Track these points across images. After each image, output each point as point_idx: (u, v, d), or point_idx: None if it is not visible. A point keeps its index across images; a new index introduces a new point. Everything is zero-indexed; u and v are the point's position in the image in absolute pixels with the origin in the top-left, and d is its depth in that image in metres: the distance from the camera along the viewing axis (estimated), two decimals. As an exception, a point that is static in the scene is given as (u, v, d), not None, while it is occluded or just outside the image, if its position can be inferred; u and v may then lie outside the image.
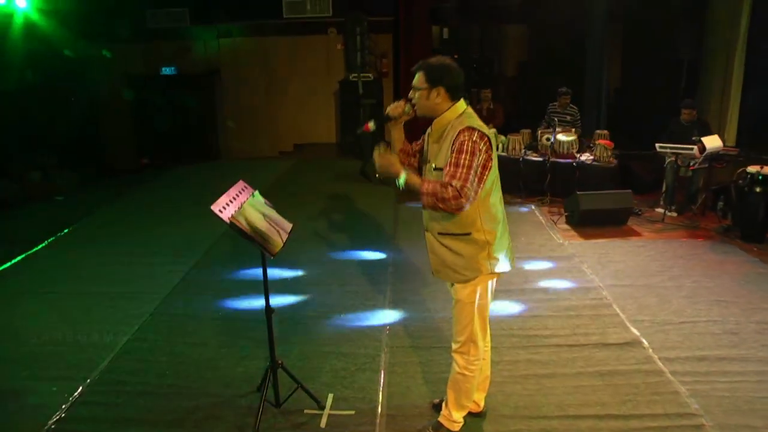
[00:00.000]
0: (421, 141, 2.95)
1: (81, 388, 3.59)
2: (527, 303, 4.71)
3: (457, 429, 3.03)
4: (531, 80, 10.63)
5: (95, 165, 9.76)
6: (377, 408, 3.36)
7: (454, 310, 2.87)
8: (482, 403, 3.24)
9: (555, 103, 8.53)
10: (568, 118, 8.43)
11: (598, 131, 8.18)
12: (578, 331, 4.24)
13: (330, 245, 6.20)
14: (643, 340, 4.07)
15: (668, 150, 6.78)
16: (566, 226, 6.74)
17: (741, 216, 6.17)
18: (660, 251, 5.87)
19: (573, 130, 8.27)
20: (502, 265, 2.79)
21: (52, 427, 3.24)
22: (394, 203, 7.69)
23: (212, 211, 2.80)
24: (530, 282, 5.13)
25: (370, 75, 10.28)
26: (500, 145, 8.34)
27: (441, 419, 3.06)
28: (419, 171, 2.98)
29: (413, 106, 2.76)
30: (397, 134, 2.92)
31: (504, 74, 11.27)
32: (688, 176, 7.09)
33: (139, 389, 3.57)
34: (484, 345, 2.97)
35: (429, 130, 2.84)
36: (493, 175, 2.68)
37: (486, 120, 8.74)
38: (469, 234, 2.70)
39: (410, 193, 2.64)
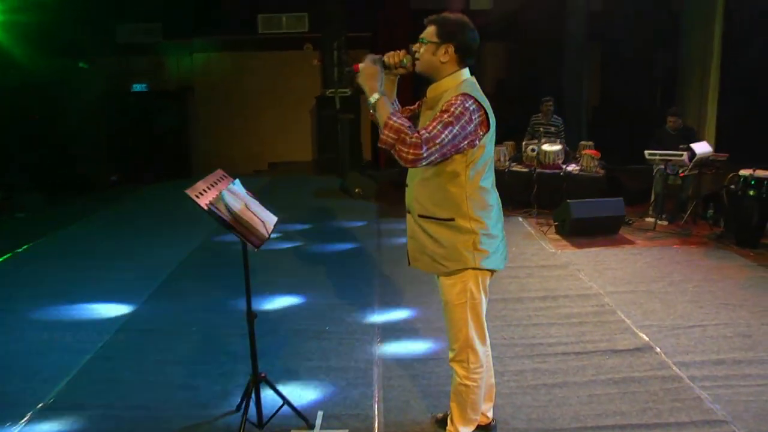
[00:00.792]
0: (415, 107, 2.64)
1: (30, 414, 3.13)
2: (526, 311, 4.41)
3: None
4: (511, 95, 10.52)
5: (63, 182, 9.27)
6: (373, 425, 3.00)
7: (444, 313, 2.52)
8: (490, 414, 2.89)
9: (538, 115, 8.38)
10: (552, 128, 8.27)
11: (582, 142, 8.05)
12: (584, 338, 3.95)
13: (312, 258, 5.85)
14: (654, 346, 3.79)
15: (657, 157, 6.62)
16: (556, 236, 6.50)
17: (735, 221, 6.01)
18: (656, 258, 5.65)
19: (558, 140, 8.11)
20: (492, 261, 2.43)
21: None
22: (376, 218, 7.40)
23: (187, 196, 2.46)
24: (526, 290, 4.84)
25: (347, 90, 10.05)
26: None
27: (448, 436, 2.70)
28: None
29: (415, 59, 2.41)
30: (388, 89, 2.52)
31: (484, 90, 11.15)
32: (678, 184, 6.95)
33: (100, 413, 3.14)
34: (485, 349, 2.61)
35: (422, 101, 2.55)
36: (487, 156, 2.37)
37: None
38: (452, 220, 2.36)
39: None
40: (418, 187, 2.43)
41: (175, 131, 10.00)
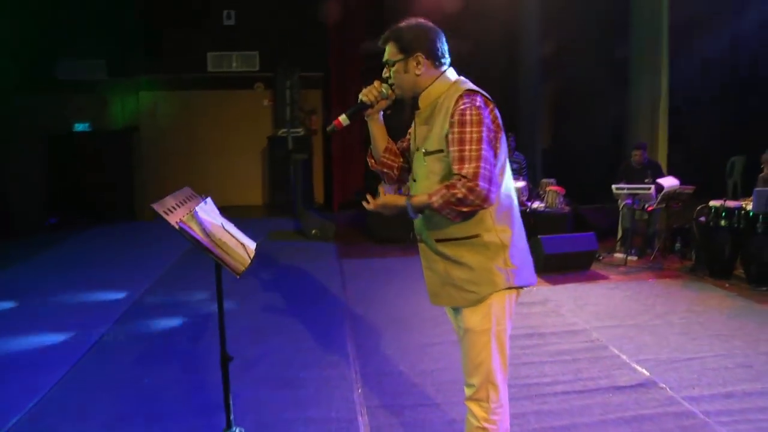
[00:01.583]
0: (407, 136, 2.36)
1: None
2: (513, 350, 4.05)
3: None
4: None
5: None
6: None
7: (463, 343, 2.17)
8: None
9: (499, 153, 8.31)
10: (514, 165, 8.21)
11: (544, 180, 8.00)
12: (582, 375, 3.67)
13: (273, 302, 5.42)
14: (657, 380, 3.56)
15: (625, 191, 6.59)
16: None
17: (707, 253, 5.96)
18: (635, 292, 5.50)
19: (521, 177, 8.04)
20: (524, 276, 2.15)
21: None
22: (337, 258, 7.05)
23: (156, 211, 2.09)
24: (520, 329, 4.56)
25: (300, 130, 9.80)
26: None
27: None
28: (407, 170, 2.40)
29: (391, 86, 2.18)
30: (376, 128, 2.29)
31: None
32: (644, 219, 6.92)
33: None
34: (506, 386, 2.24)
35: (415, 114, 2.27)
36: (503, 154, 2.10)
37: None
38: (477, 236, 2.07)
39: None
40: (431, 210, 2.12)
41: (119, 172, 9.42)
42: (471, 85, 2.10)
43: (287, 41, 9.58)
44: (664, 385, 3.49)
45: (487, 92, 2.10)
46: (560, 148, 10.75)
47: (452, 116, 2.00)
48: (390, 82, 2.17)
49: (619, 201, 7.00)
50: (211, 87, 9.90)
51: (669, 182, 6.41)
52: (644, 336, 4.33)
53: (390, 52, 2.15)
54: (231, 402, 2.45)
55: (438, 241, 2.13)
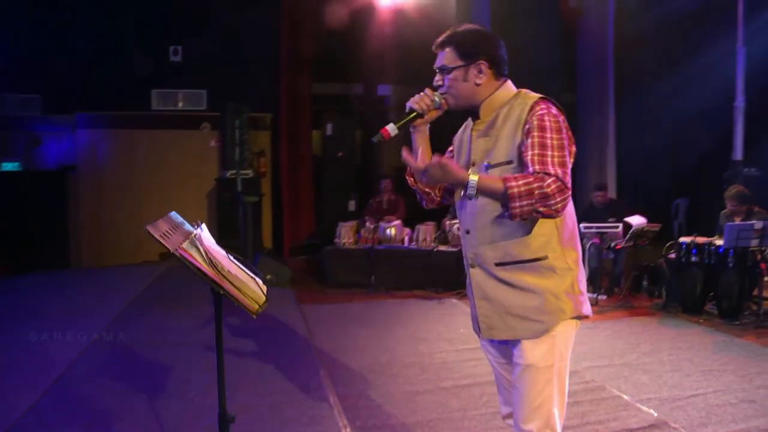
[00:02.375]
0: (450, 151, 2.21)
1: None
2: (510, 394, 3.92)
3: None
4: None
5: None
6: None
7: (520, 381, 1.96)
8: None
9: (460, 193, 8.28)
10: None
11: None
12: (589, 419, 3.51)
13: (240, 353, 5.01)
14: (667, 420, 3.43)
15: (593, 230, 6.65)
16: None
17: (680, 289, 6.02)
18: (615, 330, 5.46)
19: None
20: (588, 304, 2.01)
21: None
22: (297, 304, 6.72)
23: (149, 233, 1.82)
24: (498, 371, 4.37)
25: (249, 172, 9.48)
26: (405, 237, 7.86)
27: None
28: (450, 192, 2.23)
29: (443, 94, 2.02)
30: (422, 141, 2.12)
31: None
32: (611, 258, 6.98)
33: None
34: None
35: (464, 128, 2.14)
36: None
37: (388, 212, 8.26)
38: (544, 258, 1.91)
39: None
40: (490, 229, 1.96)
41: (52, 216, 8.76)
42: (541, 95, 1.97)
43: (236, 80, 9.34)
44: (676, 425, 3.37)
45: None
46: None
47: (528, 122, 1.87)
48: (443, 91, 2.02)
49: (585, 241, 7.05)
50: (155, 126, 9.47)
51: (637, 221, 6.51)
52: (638, 375, 4.24)
53: (447, 57, 2.00)
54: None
55: (499, 264, 1.95)
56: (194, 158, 9.75)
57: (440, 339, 5.28)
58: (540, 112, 1.86)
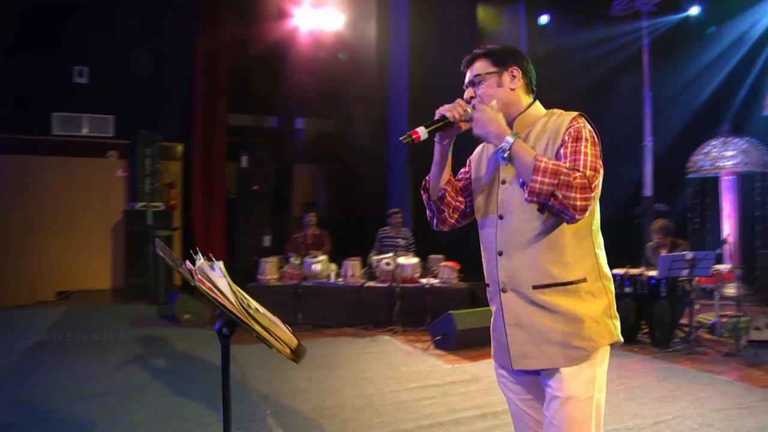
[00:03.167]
0: (466, 172, 2.13)
1: None
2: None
3: None
4: (342, 215, 10.34)
5: None
6: None
7: (559, 416, 1.81)
8: None
9: (386, 228, 8.22)
10: (402, 241, 8.13)
11: (432, 255, 7.98)
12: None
13: (174, 404, 4.55)
14: (642, 450, 3.44)
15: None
16: (440, 351, 6.07)
17: (612, 320, 6.21)
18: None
19: (410, 253, 7.96)
20: (619, 329, 1.94)
21: None
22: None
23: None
24: (456, 411, 4.23)
25: (160, 204, 8.93)
26: (332, 273, 7.65)
27: None
28: (464, 214, 2.12)
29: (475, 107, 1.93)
30: (443, 156, 2.04)
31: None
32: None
33: None
34: None
35: (484, 147, 2.08)
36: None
37: (313, 247, 8.03)
38: (583, 281, 1.84)
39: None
40: (530, 249, 1.86)
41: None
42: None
43: (147, 106, 8.83)
44: (652, 454, 3.37)
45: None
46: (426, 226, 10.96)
47: (565, 133, 1.82)
48: (476, 101, 1.94)
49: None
50: (55, 152, 8.70)
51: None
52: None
53: (480, 67, 1.96)
54: None
55: (537, 287, 1.84)
56: (99, 188, 9.06)
57: (385, 378, 5.08)
58: (578, 126, 1.83)
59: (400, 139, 1.91)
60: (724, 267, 6.24)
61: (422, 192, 2.12)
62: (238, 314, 1.63)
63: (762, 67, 8.73)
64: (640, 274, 6.03)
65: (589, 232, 1.87)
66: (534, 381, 1.94)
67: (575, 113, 1.89)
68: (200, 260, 1.88)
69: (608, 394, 4.08)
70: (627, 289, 6.04)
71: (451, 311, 6.19)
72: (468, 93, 1.98)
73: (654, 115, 9.15)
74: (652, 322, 5.92)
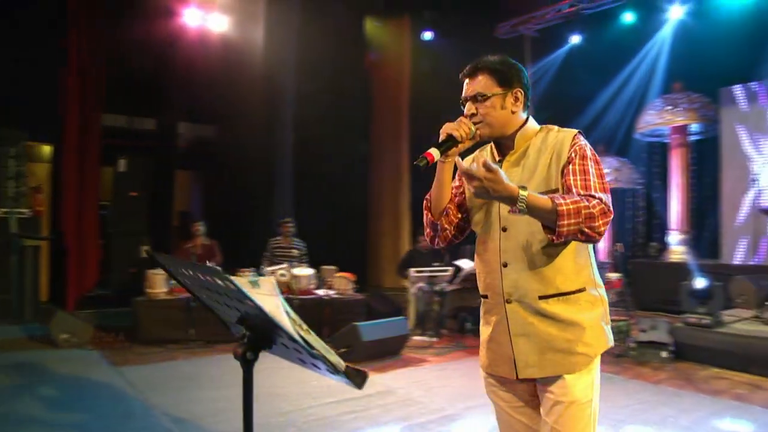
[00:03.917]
0: (459, 186, 2.16)
1: None
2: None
3: None
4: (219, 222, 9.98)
5: None
6: None
7: (562, 420, 1.91)
8: None
9: (277, 238, 8.10)
10: (294, 252, 8.06)
11: (325, 266, 7.98)
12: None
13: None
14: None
15: (426, 274, 6.99)
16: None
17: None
18: (467, 370, 5.78)
19: (303, 264, 7.90)
20: (612, 335, 2.08)
21: None
22: (112, 365, 5.85)
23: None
24: (382, 425, 4.30)
25: (25, 211, 8.10)
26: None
27: None
28: (461, 229, 2.16)
29: (475, 124, 2.00)
30: (447, 175, 2.06)
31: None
32: (436, 300, 7.33)
33: None
34: None
35: (474, 160, 2.09)
36: None
37: (203, 258, 7.70)
38: (583, 290, 1.95)
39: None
40: (536, 260, 1.94)
41: None
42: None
43: (9, 103, 7.94)
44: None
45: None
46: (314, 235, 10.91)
47: (569, 151, 1.92)
48: (476, 120, 1.99)
49: (411, 285, 7.38)
50: None
51: (466, 264, 7.02)
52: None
53: (484, 84, 1.98)
54: None
55: (542, 298, 1.93)
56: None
57: (300, 394, 5.01)
58: (581, 144, 1.94)
59: (415, 162, 1.92)
60: (614, 275, 6.86)
61: (425, 211, 2.14)
62: (292, 335, 1.54)
63: (632, 95, 9.69)
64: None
65: (586, 244, 1.98)
66: (525, 388, 2.04)
67: (574, 131, 1.99)
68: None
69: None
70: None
71: (355, 323, 6.22)
72: (469, 108, 2.01)
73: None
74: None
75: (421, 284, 7.26)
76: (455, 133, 1.95)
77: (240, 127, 9.61)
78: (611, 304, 7.26)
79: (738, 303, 6.00)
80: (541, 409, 1.99)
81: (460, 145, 1.98)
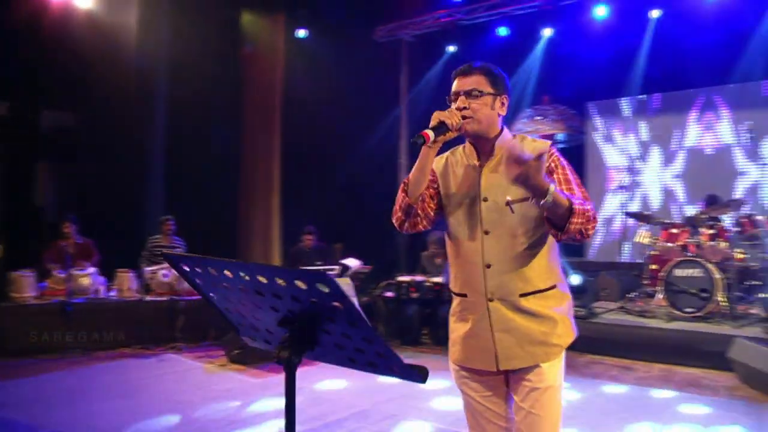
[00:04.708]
0: (434, 181, 2.24)
1: None
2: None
3: None
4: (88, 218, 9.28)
5: None
6: None
7: (540, 404, 2.10)
8: None
9: (157, 236, 7.75)
10: (177, 251, 7.76)
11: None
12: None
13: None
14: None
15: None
16: (240, 366, 5.92)
17: (398, 322, 6.87)
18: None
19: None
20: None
21: None
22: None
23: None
24: (305, 422, 4.33)
25: None
26: (102, 288, 6.99)
27: None
28: (438, 219, 2.28)
29: (465, 118, 2.11)
30: (430, 160, 2.14)
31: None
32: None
33: None
34: None
35: (454, 162, 2.25)
36: None
37: (78, 258, 7.16)
38: (555, 287, 2.16)
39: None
40: (517, 261, 2.11)
41: None
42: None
43: None
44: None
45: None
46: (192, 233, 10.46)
47: (548, 161, 2.08)
48: (465, 114, 2.10)
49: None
50: None
51: (353, 262, 7.21)
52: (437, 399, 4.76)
53: (479, 82, 2.11)
54: None
55: (522, 295, 2.10)
56: None
57: (205, 400, 4.88)
58: (558, 154, 2.15)
59: (413, 139, 2.03)
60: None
61: (401, 194, 2.19)
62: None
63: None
64: (425, 281, 6.83)
65: (556, 244, 2.17)
66: (495, 379, 2.20)
67: (548, 142, 2.19)
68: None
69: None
70: (413, 295, 6.78)
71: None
72: (461, 102, 2.11)
73: (409, 136, 10.21)
74: (435, 324, 6.72)
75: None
76: (448, 122, 2.05)
77: (108, 116, 8.96)
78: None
79: (603, 296, 6.81)
80: (516, 397, 2.17)
81: (448, 134, 2.09)
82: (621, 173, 9.81)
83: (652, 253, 7.12)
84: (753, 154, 8.69)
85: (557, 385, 2.13)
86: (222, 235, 10.00)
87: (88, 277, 6.89)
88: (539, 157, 1.86)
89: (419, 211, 2.17)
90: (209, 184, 9.69)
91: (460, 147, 2.28)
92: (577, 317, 2.25)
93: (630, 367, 5.79)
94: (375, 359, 1.69)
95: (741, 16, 8.33)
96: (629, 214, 7.79)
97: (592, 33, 9.21)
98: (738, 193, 9.12)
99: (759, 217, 6.81)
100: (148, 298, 6.99)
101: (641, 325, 6.20)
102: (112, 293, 7.03)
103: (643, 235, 7.25)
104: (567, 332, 2.15)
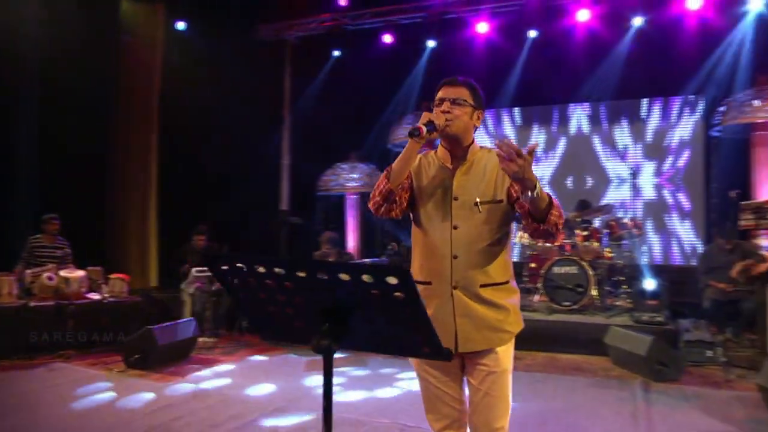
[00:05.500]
0: (407, 178, 2.49)
1: None
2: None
3: None
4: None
5: None
6: None
7: (496, 386, 2.43)
8: None
9: (39, 236, 7.34)
10: (58, 252, 7.40)
11: (91, 268, 7.50)
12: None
13: None
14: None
15: (206, 274, 7.07)
16: (141, 371, 5.77)
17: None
18: (274, 363, 6.16)
19: (70, 266, 7.33)
20: None
21: None
22: None
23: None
24: (221, 425, 4.50)
25: None
26: None
27: None
28: (407, 210, 2.54)
29: (447, 121, 2.41)
30: (415, 154, 2.43)
31: None
32: (213, 300, 7.38)
33: None
34: None
35: (429, 164, 2.54)
36: None
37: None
38: (508, 282, 2.49)
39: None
40: (480, 255, 2.40)
41: None
42: None
43: None
44: None
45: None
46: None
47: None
48: (450, 118, 2.39)
49: (186, 285, 7.38)
50: None
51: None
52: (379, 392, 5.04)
53: (463, 93, 2.42)
54: None
55: (482, 286, 2.40)
56: None
57: (122, 411, 4.75)
58: None
59: (409, 132, 2.31)
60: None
61: (383, 180, 2.42)
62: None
63: (392, 109, 10.58)
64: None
65: (512, 245, 2.55)
66: (453, 364, 2.48)
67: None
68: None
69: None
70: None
71: (149, 326, 6.00)
72: (446, 106, 2.41)
73: (292, 137, 10.42)
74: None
75: (199, 284, 7.30)
76: (436, 122, 2.35)
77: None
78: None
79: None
80: (473, 380, 2.47)
81: (433, 134, 2.36)
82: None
83: (532, 252, 7.90)
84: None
85: (509, 369, 2.46)
86: (96, 234, 9.60)
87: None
88: (531, 152, 2.13)
89: (396, 198, 2.43)
90: (83, 181, 9.26)
91: (432, 151, 2.58)
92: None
93: (518, 356, 6.44)
94: (408, 343, 1.90)
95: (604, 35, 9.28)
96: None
97: (474, 47, 9.85)
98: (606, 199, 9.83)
99: (625, 221, 7.82)
100: (35, 303, 6.61)
101: (525, 318, 6.88)
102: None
103: (523, 236, 7.99)
104: (517, 321, 2.48)
